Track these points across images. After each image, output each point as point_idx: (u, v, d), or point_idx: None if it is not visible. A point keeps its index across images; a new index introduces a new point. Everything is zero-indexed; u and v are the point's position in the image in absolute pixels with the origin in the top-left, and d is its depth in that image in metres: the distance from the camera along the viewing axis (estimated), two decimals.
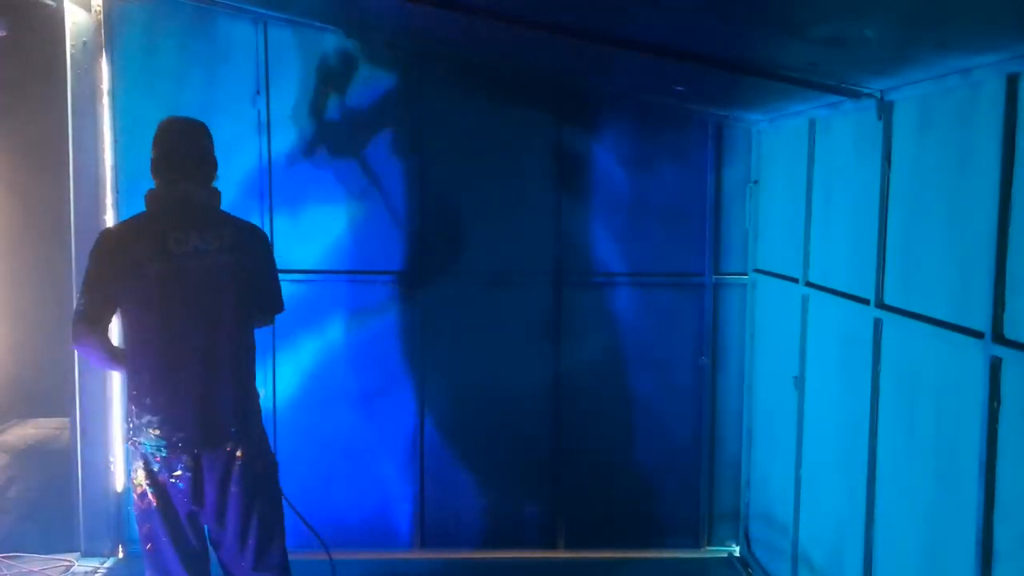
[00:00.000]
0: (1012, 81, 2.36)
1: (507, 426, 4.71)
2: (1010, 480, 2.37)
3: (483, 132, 4.59)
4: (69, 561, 4.50)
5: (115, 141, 4.48)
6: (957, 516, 2.60)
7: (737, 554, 4.75)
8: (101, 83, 4.46)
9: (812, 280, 3.80)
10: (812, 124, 3.78)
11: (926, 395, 2.83)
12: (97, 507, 4.57)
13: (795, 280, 3.94)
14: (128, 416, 3.15)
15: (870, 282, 3.15)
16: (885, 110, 3.06)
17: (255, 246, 3.26)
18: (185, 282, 3.06)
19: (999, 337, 2.39)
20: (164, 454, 3.06)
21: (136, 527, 3.21)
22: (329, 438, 4.65)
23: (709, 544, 4.78)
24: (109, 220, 4.48)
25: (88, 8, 4.41)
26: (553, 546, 4.75)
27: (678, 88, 4.18)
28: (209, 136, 3.23)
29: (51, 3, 4.44)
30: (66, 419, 5.07)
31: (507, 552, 4.70)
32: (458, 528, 4.73)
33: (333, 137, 4.54)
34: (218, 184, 3.26)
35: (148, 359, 3.08)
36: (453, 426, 4.70)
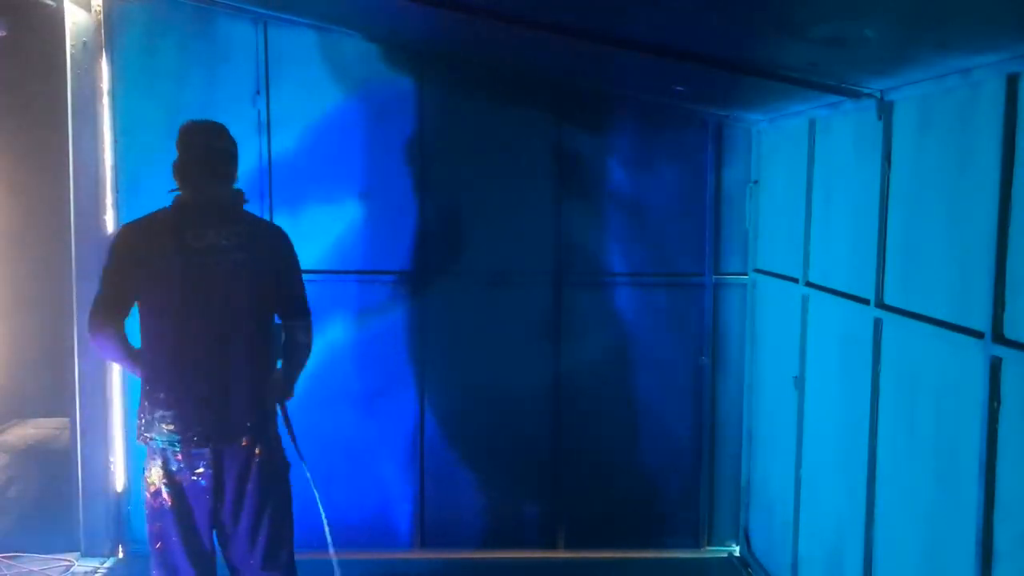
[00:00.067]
0: (1012, 81, 2.36)
1: (507, 426, 4.71)
2: (1010, 480, 2.37)
3: (483, 132, 4.59)
4: (69, 561, 4.50)
5: (115, 141, 4.48)
6: (957, 516, 2.60)
7: (737, 554, 4.76)
8: (101, 83, 4.46)
9: (812, 280, 3.80)
10: (812, 124, 3.78)
11: (926, 395, 2.83)
12: (97, 507, 4.57)
13: (795, 280, 3.94)
14: (140, 412, 3.15)
15: (870, 282, 3.15)
16: (885, 110, 3.06)
17: (274, 246, 3.28)
18: (201, 277, 3.08)
19: (999, 337, 2.39)
20: (178, 449, 3.07)
21: (145, 525, 3.20)
22: (329, 437, 4.65)
23: (709, 544, 4.78)
24: (109, 220, 4.49)
25: (88, 8, 4.41)
26: (553, 546, 4.75)
27: (678, 88, 4.18)
28: (229, 138, 3.25)
29: (51, 3, 4.44)
30: (66, 419, 5.07)
31: (507, 552, 4.70)
32: (458, 528, 4.73)
33: (333, 137, 4.54)
34: None
35: (163, 353, 3.10)
36: (453, 426, 4.71)
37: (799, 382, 3.90)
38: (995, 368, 2.41)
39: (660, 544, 4.75)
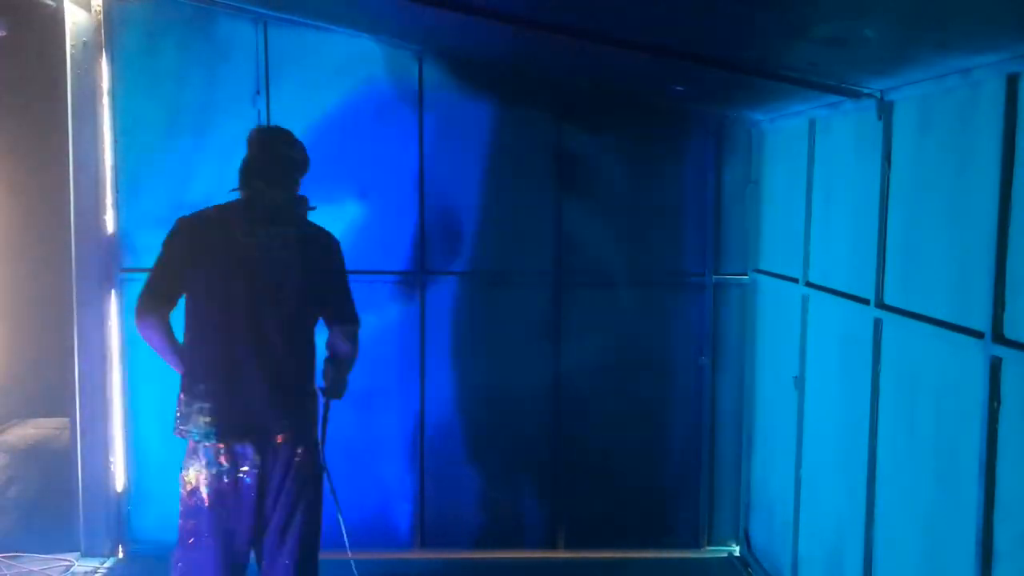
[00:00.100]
0: (1012, 81, 2.36)
1: (507, 426, 4.71)
2: (1010, 480, 2.37)
3: (483, 132, 4.59)
4: (69, 561, 4.50)
5: (115, 141, 4.48)
6: (957, 516, 2.60)
7: (737, 554, 4.76)
8: (101, 83, 4.46)
9: (812, 280, 3.80)
10: (812, 124, 3.78)
11: (926, 395, 2.83)
12: (97, 507, 4.57)
13: (795, 280, 3.94)
14: (178, 405, 3.17)
15: (870, 282, 3.15)
16: (885, 110, 3.06)
17: (324, 252, 3.32)
18: (248, 273, 3.12)
19: (999, 337, 2.39)
20: (214, 441, 3.09)
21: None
22: (329, 437, 4.62)
23: (709, 544, 4.78)
24: (109, 220, 4.48)
25: (88, 8, 4.41)
26: (553, 546, 4.75)
27: (678, 88, 4.18)
28: (292, 144, 3.27)
29: (51, 3, 4.43)
30: (66, 419, 5.07)
31: (507, 552, 4.70)
32: (458, 528, 4.73)
33: (333, 137, 4.54)
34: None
35: (207, 345, 3.14)
36: (453, 426, 4.70)
37: (799, 382, 3.90)
38: (995, 368, 2.41)
39: (660, 544, 4.75)
